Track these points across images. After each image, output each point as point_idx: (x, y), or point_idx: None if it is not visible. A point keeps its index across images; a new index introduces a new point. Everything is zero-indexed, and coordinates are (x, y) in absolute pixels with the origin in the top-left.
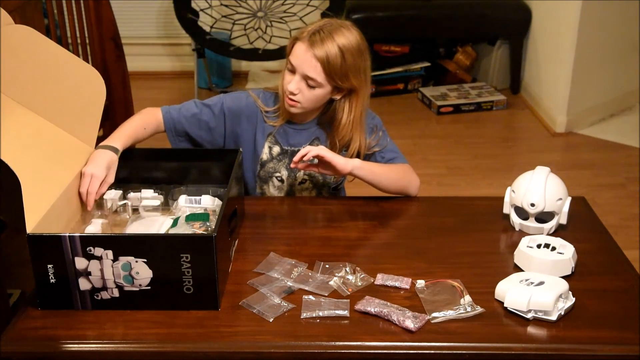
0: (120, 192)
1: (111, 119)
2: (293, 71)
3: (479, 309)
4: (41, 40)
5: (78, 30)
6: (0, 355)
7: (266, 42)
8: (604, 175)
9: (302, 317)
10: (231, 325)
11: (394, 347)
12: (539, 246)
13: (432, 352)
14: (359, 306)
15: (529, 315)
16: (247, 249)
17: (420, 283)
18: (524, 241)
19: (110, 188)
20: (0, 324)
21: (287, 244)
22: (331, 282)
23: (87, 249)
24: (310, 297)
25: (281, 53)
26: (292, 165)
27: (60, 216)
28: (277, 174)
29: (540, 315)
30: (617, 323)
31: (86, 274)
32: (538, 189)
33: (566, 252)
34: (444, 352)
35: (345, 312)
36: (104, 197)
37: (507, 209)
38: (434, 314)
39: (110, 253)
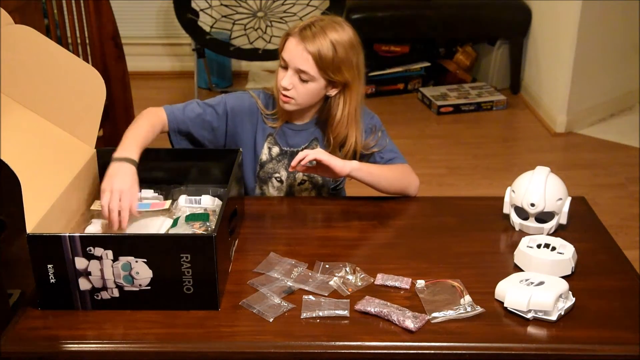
0: None
1: (111, 119)
2: (286, 67)
3: (479, 309)
4: (41, 40)
5: (78, 30)
6: (0, 355)
7: (266, 42)
8: (604, 175)
9: (302, 317)
10: (231, 325)
11: (394, 347)
12: (539, 246)
13: (432, 352)
14: (359, 306)
15: (529, 315)
16: (247, 249)
17: (420, 283)
18: (524, 241)
19: None
20: (0, 324)
21: (287, 244)
22: (331, 282)
23: (87, 249)
24: (310, 297)
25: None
26: (290, 169)
27: (60, 216)
28: (277, 175)
29: (540, 315)
30: (617, 323)
31: (86, 274)
32: (538, 189)
33: (566, 252)
34: (444, 352)
35: (345, 312)
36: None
37: (507, 209)
38: (434, 314)
39: (110, 253)
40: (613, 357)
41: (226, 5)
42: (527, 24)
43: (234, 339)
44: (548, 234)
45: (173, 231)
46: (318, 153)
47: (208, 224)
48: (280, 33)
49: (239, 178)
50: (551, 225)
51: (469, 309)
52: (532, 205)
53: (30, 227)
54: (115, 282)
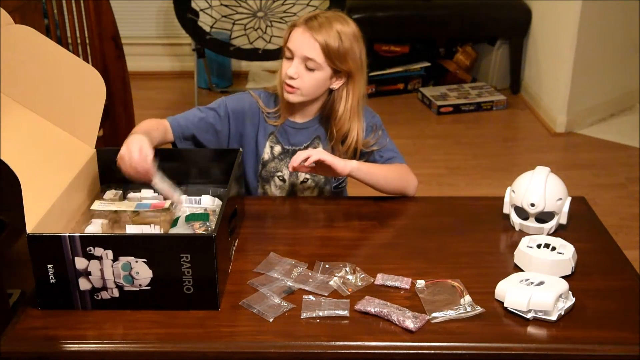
0: (120, 192)
1: (111, 119)
2: (291, 58)
3: (479, 309)
4: (41, 40)
5: (78, 30)
6: (0, 355)
7: (266, 42)
8: (604, 175)
9: (302, 317)
10: (231, 325)
11: (394, 347)
12: (539, 246)
13: (432, 352)
14: (359, 306)
15: (529, 315)
16: (247, 249)
17: (420, 283)
18: (524, 241)
19: (110, 188)
20: (0, 324)
21: (287, 244)
22: (331, 282)
23: (87, 249)
24: (310, 297)
25: (281, 53)
26: (290, 169)
27: (60, 216)
28: (279, 174)
29: (540, 315)
30: (617, 323)
31: (86, 274)
32: (538, 189)
33: (566, 252)
34: (444, 352)
35: (345, 312)
36: (104, 196)
37: (507, 209)
38: (434, 314)
39: (110, 253)
40: (613, 357)
41: (226, 5)
42: (527, 24)
43: (234, 339)
44: (548, 234)
45: (173, 231)
46: (321, 154)
47: (208, 224)
48: (281, 33)
49: (239, 178)
50: (551, 225)
51: (469, 309)
52: (532, 205)
53: (30, 227)
54: (115, 282)
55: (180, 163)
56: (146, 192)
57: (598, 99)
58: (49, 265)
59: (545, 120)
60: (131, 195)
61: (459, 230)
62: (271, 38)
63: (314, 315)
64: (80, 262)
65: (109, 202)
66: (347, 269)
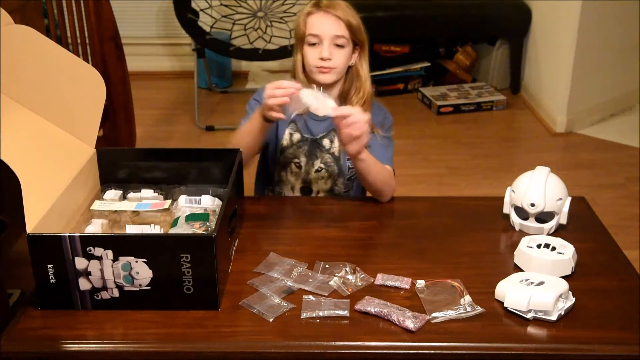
0: (120, 192)
1: (111, 119)
2: (316, 42)
3: (479, 309)
4: (41, 40)
5: (78, 30)
6: (0, 355)
7: (266, 42)
8: (604, 175)
9: (302, 317)
10: (231, 325)
11: (394, 347)
12: (539, 246)
13: (432, 352)
14: (359, 306)
15: (529, 315)
16: (247, 249)
17: (420, 283)
18: (524, 241)
19: (110, 188)
20: (0, 324)
21: (287, 244)
22: (331, 282)
23: (87, 249)
24: (310, 297)
25: (281, 53)
26: (332, 114)
27: (60, 216)
28: (296, 160)
29: (540, 315)
30: (617, 323)
31: (86, 274)
32: (538, 189)
33: (566, 252)
34: (444, 352)
35: (345, 312)
36: (104, 196)
37: (507, 209)
38: (434, 314)
39: (110, 253)
40: (613, 357)
41: (226, 5)
42: (527, 24)
43: (234, 339)
44: (548, 234)
45: (173, 231)
46: (366, 124)
47: (208, 224)
48: (280, 33)
49: (239, 178)
50: (551, 225)
51: (469, 309)
52: (532, 205)
53: (30, 227)
54: (115, 282)
55: (180, 163)
56: (146, 192)
57: (598, 99)
58: (49, 265)
59: (545, 120)
60: (131, 195)
61: (459, 230)
62: (271, 38)
63: (314, 315)
64: (80, 262)
65: (109, 202)
66: (347, 269)
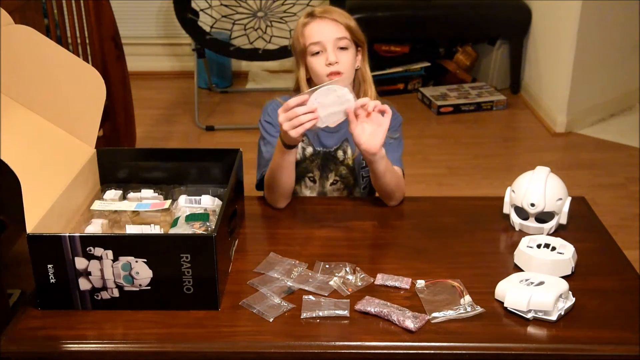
0: (120, 192)
1: (111, 119)
2: (319, 51)
3: (479, 309)
4: (41, 40)
5: (78, 30)
6: (0, 355)
7: (266, 42)
8: (604, 175)
9: (302, 317)
10: (231, 325)
11: (394, 347)
12: (539, 246)
13: (432, 352)
14: (359, 306)
15: (529, 315)
16: (247, 249)
17: (420, 283)
18: (524, 241)
19: (110, 188)
20: (0, 324)
21: (287, 244)
22: (331, 282)
23: (87, 249)
24: (310, 297)
25: (281, 53)
26: (358, 103)
27: (60, 216)
28: (310, 174)
29: (540, 315)
30: (617, 323)
31: (86, 274)
32: (538, 189)
33: (566, 252)
34: (444, 352)
35: (345, 312)
36: (104, 196)
37: (507, 209)
38: (434, 314)
39: (110, 253)
40: (613, 357)
41: (226, 5)
42: (527, 24)
43: (234, 339)
44: (548, 234)
45: (173, 231)
46: (386, 121)
47: (208, 224)
48: (280, 33)
49: (239, 178)
50: (551, 225)
51: (469, 309)
52: (532, 205)
53: (30, 227)
54: (115, 282)
55: (180, 163)
56: (146, 192)
57: (598, 99)
58: (49, 265)
59: (545, 120)
60: (131, 195)
61: (459, 230)
62: (271, 38)
63: (314, 315)
64: (80, 262)
65: (109, 202)
66: (347, 269)
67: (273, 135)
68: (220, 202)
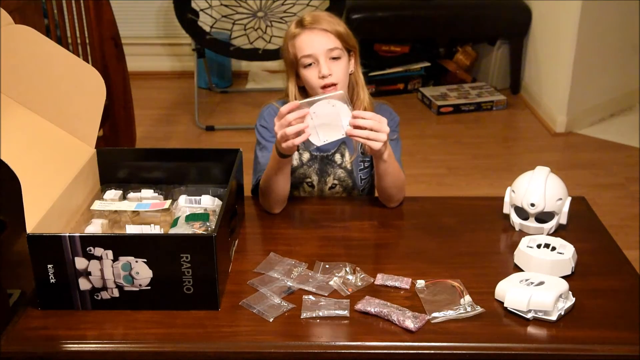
0: (120, 192)
1: (111, 119)
2: (311, 62)
3: (479, 309)
4: (41, 40)
5: (78, 30)
6: (0, 355)
7: (266, 42)
8: (604, 175)
9: (302, 317)
10: (231, 325)
11: (394, 347)
12: (539, 246)
13: (432, 352)
14: (359, 306)
15: (529, 315)
16: (247, 249)
17: (420, 283)
18: (524, 241)
19: (110, 188)
20: (0, 324)
21: (287, 244)
22: (331, 282)
23: (87, 249)
24: (310, 297)
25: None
26: (352, 117)
27: (60, 216)
28: (308, 180)
29: (540, 315)
30: (617, 323)
31: (86, 274)
32: (538, 189)
33: (566, 252)
34: (444, 352)
35: (345, 312)
36: (104, 196)
37: (507, 209)
38: (434, 314)
39: (110, 253)
40: (613, 357)
41: (226, 5)
42: (527, 24)
43: (234, 339)
44: (548, 234)
45: (173, 231)
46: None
47: (208, 224)
48: (280, 33)
49: (239, 178)
50: (551, 225)
51: (469, 309)
52: (532, 205)
53: (30, 227)
54: (115, 282)
55: (180, 163)
56: (146, 192)
57: (598, 99)
58: (49, 265)
59: (545, 120)
60: (131, 195)
61: (459, 230)
62: (271, 38)
63: (314, 315)
64: (80, 262)
65: (109, 202)
66: (347, 269)
67: (269, 140)
68: (220, 202)
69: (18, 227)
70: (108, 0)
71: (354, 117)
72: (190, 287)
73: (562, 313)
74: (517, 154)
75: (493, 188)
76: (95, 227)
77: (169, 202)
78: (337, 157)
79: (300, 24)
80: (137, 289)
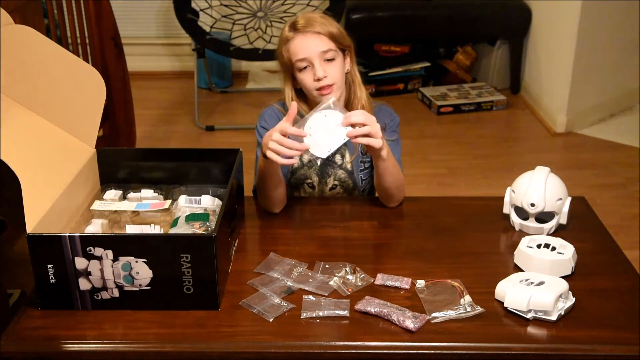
0: (120, 192)
1: (111, 119)
2: (306, 65)
3: (479, 309)
4: (41, 40)
5: (78, 30)
6: (0, 355)
7: (266, 42)
8: (604, 175)
9: (302, 317)
10: (231, 325)
11: (394, 347)
12: (539, 246)
13: (432, 352)
14: (359, 306)
15: (529, 315)
16: (247, 249)
17: (420, 283)
18: (524, 241)
19: (110, 188)
20: (0, 324)
21: (287, 244)
22: (331, 282)
23: (87, 249)
24: (310, 297)
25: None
26: (344, 122)
27: (60, 216)
28: (308, 181)
29: (540, 315)
30: (617, 323)
31: (86, 274)
32: (538, 189)
33: (566, 252)
34: (444, 352)
35: (345, 312)
36: (104, 196)
37: (507, 209)
38: (434, 314)
39: (110, 253)
40: (613, 357)
41: (226, 5)
42: (527, 24)
43: (234, 339)
44: (548, 234)
45: (173, 231)
46: (376, 137)
47: (208, 224)
48: None
49: (239, 178)
50: (551, 225)
51: (469, 309)
52: (532, 205)
53: (30, 227)
54: (115, 282)
55: (180, 163)
56: (146, 192)
57: (598, 99)
58: (49, 265)
59: (545, 120)
60: (131, 195)
61: (459, 230)
62: (271, 38)
63: (314, 315)
64: (80, 262)
65: (109, 202)
66: (347, 269)
67: None
68: (220, 202)
69: (18, 227)
70: (108, 0)
71: (345, 118)
72: (190, 287)
73: (562, 313)
74: (517, 154)
75: (493, 188)
76: (95, 227)
77: (169, 202)
78: (338, 157)
79: (293, 28)
80: (137, 289)
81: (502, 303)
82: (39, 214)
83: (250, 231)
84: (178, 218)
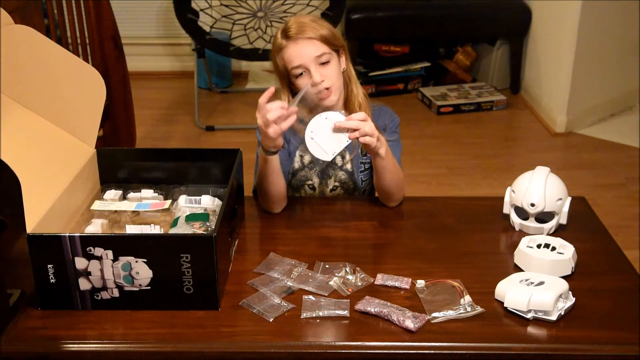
0: (120, 192)
1: (111, 119)
2: (302, 72)
3: (479, 309)
4: (41, 40)
5: (78, 30)
6: (0, 355)
7: (266, 42)
8: (604, 175)
9: (302, 317)
10: (231, 325)
11: (394, 347)
12: (539, 246)
13: (432, 352)
14: (359, 306)
15: (529, 315)
16: (247, 249)
17: (420, 283)
18: (524, 241)
19: (110, 188)
20: (0, 324)
21: (287, 244)
22: (331, 282)
23: (87, 249)
24: (310, 297)
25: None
26: (347, 121)
27: (60, 216)
28: (309, 182)
29: (540, 315)
30: (617, 323)
31: (86, 274)
32: (538, 189)
33: (566, 252)
34: (444, 352)
35: (345, 312)
36: (104, 196)
37: (507, 209)
38: (434, 314)
39: (110, 253)
40: (613, 357)
41: (226, 5)
42: (527, 24)
43: (234, 339)
44: (548, 234)
45: (173, 231)
46: (373, 138)
47: (208, 224)
48: None
49: (239, 178)
50: (551, 225)
51: (469, 309)
52: (532, 205)
53: (30, 227)
54: (115, 282)
55: (180, 163)
56: (146, 192)
57: (598, 99)
58: (49, 265)
59: (545, 120)
60: (131, 195)
61: (459, 230)
62: (271, 38)
63: (314, 315)
64: (80, 262)
65: (109, 202)
66: (347, 269)
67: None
68: (220, 202)
69: (18, 227)
70: (108, 0)
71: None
72: (190, 287)
73: (562, 313)
74: (517, 154)
75: (493, 188)
76: (95, 227)
77: (169, 202)
78: (338, 159)
79: (286, 35)
80: (137, 289)
81: (502, 303)
82: (39, 214)
83: (250, 231)
84: (178, 218)
